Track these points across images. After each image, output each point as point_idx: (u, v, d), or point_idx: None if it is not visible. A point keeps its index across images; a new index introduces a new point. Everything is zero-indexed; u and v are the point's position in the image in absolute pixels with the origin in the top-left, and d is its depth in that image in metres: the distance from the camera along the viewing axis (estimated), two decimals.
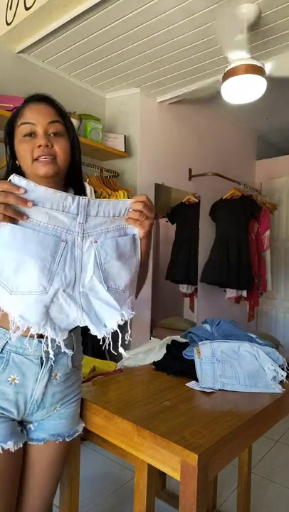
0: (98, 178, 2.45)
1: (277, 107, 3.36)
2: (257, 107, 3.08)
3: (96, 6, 1.80)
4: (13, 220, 0.81)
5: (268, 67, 2.03)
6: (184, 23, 1.95)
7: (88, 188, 2.14)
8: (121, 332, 0.90)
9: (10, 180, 0.81)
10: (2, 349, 0.90)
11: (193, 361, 1.31)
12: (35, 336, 0.89)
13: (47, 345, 0.88)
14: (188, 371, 1.31)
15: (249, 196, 3.40)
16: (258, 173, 4.15)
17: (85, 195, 0.97)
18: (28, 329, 0.85)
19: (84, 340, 1.08)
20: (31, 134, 0.93)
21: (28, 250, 0.81)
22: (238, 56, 1.96)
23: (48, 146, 0.91)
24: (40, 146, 0.91)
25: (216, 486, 1.83)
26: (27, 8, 1.87)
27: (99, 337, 0.89)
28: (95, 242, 0.88)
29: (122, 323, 0.90)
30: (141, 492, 1.15)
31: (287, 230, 3.86)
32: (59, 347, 0.91)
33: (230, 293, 3.40)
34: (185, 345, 1.46)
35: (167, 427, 0.96)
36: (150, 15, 1.89)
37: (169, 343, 1.51)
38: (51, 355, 0.90)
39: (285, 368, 1.31)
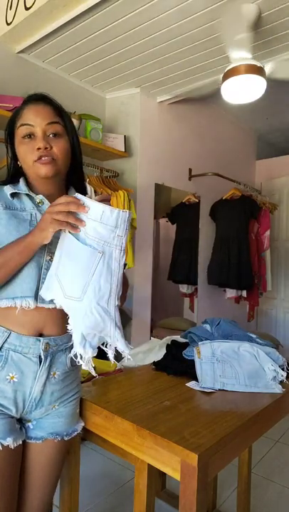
0: (98, 178, 2.45)
1: (277, 107, 3.36)
2: (257, 107, 3.08)
3: (96, 6, 1.80)
4: (73, 228, 0.83)
5: (268, 67, 2.03)
6: (184, 23, 1.94)
7: (89, 189, 2.15)
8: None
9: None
10: (1, 347, 0.90)
11: (193, 361, 1.31)
12: (35, 335, 0.89)
13: (45, 344, 0.88)
14: (188, 371, 1.31)
15: (249, 196, 3.39)
16: (258, 173, 4.15)
17: (85, 195, 0.97)
18: (28, 328, 0.84)
19: None
20: (30, 136, 0.93)
21: (73, 257, 0.84)
22: (240, 56, 1.96)
23: (46, 148, 0.91)
24: (39, 148, 0.91)
25: (216, 486, 1.83)
26: (27, 8, 1.87)
27: (126, 352, 0.88)
28: None
29: None
30: (141, 492, 1.15)
31: (287, 230, 3.86)
32: (57, 346, 0.91)
33: (230, 293, 3.40)
34: (185, 345, 1.46)
35: (167, 427, 0.96)
36: (150, 15, 1.89)
37: (169, 343, 1.51)
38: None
39: (285, 368, 1.31)
